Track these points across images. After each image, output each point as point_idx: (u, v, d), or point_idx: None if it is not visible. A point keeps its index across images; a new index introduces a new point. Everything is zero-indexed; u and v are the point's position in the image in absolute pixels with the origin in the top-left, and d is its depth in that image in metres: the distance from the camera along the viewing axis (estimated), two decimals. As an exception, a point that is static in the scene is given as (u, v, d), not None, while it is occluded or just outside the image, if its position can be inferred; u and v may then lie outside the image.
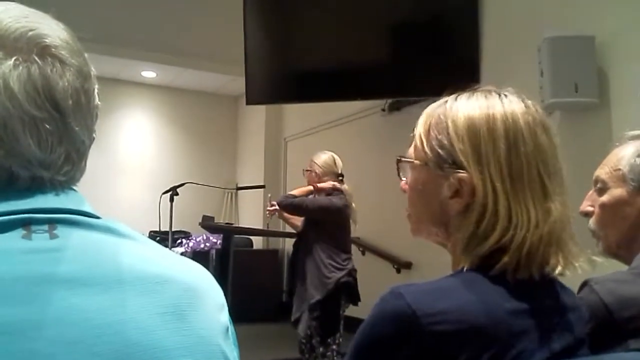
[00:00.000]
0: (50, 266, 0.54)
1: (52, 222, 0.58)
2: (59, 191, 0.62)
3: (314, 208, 3.38)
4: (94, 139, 0.68)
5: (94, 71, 0.67)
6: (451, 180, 0.82)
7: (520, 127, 0.82)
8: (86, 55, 0.66)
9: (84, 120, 0.63)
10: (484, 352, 0.71)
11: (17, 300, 0.51)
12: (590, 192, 1.26)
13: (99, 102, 0.68)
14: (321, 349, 3.30)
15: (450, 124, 0.84)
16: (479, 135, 0.81)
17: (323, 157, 3.58)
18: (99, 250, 0.59)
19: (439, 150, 0.84)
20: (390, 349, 0.73)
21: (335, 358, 3.24)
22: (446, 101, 0.88)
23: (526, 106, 0.84)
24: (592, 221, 1.24)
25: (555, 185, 0.82)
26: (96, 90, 0.67)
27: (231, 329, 0.67)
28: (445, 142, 0.83)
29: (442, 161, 0.84)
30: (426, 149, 0.86)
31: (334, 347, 3.25)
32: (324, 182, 3.48)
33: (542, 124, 0.84)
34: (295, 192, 3.51)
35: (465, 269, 0.80)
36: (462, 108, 0.84)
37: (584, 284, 1.08)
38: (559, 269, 0.80)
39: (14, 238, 0.55)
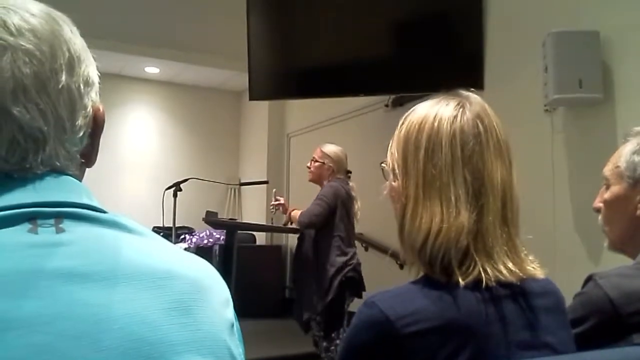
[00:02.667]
0: (57, 261, 0.54)
1: (59, 216, 0.58)
2: (29, 181, 0.60)
3: (329, 202, 3.27)
4: (78, 126, 0.65)
5: (71, 52, 0.64)
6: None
7: (441, 136, 0.85)
8: (68, 36, 0.64)
9: (34, 104, 0.60)
10: (463, 346, 0.73)
11: (24, 294, 0.51)
12: (602, 188, 1.27)
13: (77, 85, 0.65)
14: (324, 344, 3.31)
15: (397, 132, 0.91)
16: (407, 144, 0.87)
17: (335, 150, 3.47)
18: (105, 245, 0.58)
19: (389, 158, 0.93)
20: (371, 355, 0.76)
21: None
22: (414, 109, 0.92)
23: (461, 112, 0.86)
24: (600, 217, 1.25)
25: (470, 195, 0.82)
26: (69, 73, 0.64)
27: (236, 325, 0.67)
28: (392, 150, 0.91)
29: (391, 168, 0.91)
30: (388, 154, 0.94)
31: (338, 341, 3.24)
32: (336, 176, 3.42)
33: (475, 133, 0.85)
34: (297, 211, 3.40)
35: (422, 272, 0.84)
36: (410, 117, 0.91)
37: (589, 279, 1.09)
38: (484, 277, 0.79)
39: (20, 232, 0.55)
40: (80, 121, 0.65)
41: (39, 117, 0.61)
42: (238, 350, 0.64)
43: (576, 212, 3.16)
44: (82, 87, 0.65)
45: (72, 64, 0.65)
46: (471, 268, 0.79)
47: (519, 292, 0.82)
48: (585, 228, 3.08)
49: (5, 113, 0.59)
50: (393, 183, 0.88)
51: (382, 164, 0.93)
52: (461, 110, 0.86)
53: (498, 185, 0.83)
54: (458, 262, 0.79)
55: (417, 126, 0.86)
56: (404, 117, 0.91)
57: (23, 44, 0.61)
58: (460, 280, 0.78)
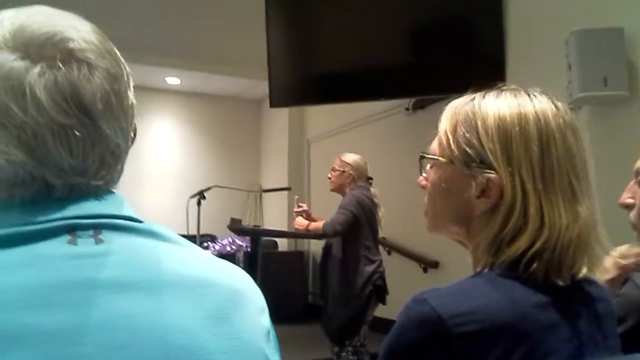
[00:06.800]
0: (97, 271, 0.55)
1: (97, 227, 0.58)
2: (99, 196, 0.62)
3: (353, 210, 3.26)
4: (133, 139, 0.68)
5: (127, 70, 0.66)
6: (479, 180, 0.81)
7: (552, 128, 0.80)
8: (118, 53, 0.65)
9: (116, 122, 0.62)
10: (514, 348, 0.71)
11: (65, 305, 0.52)
12: (631, 183, 1.23)
13: (133, 101, 0.66)
14: (336, 349, 3.31)
15: (479, 123, 0.82)
16: (510, 135, 0.80)
17: (354, 158, 3.46)
18: (143, 254, 0.59)
19: (467, 149, 0.82)
20: (419, 354, 0.73)
21: (350, 358, 3.24)
22: (473, 98, 0.86)
23: (556, 107, 0.83)
24: (632, 214, 1.21)
25: (584, 188, 0.81)
26: (129, 90, 0.66)
27: (272, 332, 0.67)
28: (474, 141, 0.82)
29: (470, 160, 0.82)
30: (453, 146, 0.84)
31: (350, 348, 3.26)
32: (357, 183, 3.41)
33: (572, 126, 0.83)
34: (314, 224, 3.41)
35: (486, 269, 0.80)
36: (491, 107, 0.83)
37: (627, 280, 1.06)
38: (584, 271, 0.79)
39: (60, 244, 0.56)
40: (132, 134, 0.68)
41: (120, 135, 0.63)
42: (275, 357, 0.64)
43: (603, 211, 3.10)
44: (133, 102, 0.67)
45: (130, 80, 0.67)
46: (549, 266, 0.77)
47: (586, 296, 0.81)
48: (612, 227, 3.01)
49: (100, 132, 0.60)
50: (488, 176, 0.80)
51: (441, 157, 0.86)
52: (553, 102, 0.84)
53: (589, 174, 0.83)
54: (552, 261, 0.77)
55: (515, 117, 0.81)
56: (470, 111, 0.84)
57: (101, 64, 0.61)
58: (532, 277, 0.76)
